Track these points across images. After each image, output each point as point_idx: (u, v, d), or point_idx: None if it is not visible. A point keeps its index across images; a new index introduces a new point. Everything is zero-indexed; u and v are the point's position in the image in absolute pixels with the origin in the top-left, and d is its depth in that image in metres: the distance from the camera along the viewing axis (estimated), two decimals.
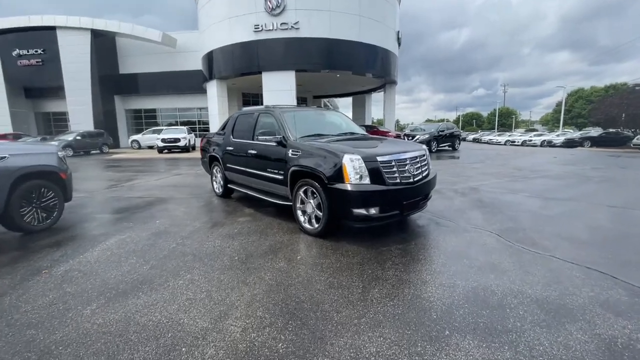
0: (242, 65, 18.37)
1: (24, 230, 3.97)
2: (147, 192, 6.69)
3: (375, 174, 3.26)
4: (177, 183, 7.82)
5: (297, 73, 18.12)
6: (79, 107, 23.84)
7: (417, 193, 3.56)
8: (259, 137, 4.34)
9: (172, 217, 4.59)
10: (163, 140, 17.63)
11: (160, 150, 17.84)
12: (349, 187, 3.17)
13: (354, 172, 3.20)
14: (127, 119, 27.29)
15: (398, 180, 3.37)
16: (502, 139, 30.86)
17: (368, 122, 30.44)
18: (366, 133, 4.89)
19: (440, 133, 16.75)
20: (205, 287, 2.53)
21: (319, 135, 4.19)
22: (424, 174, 3.69)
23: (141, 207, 5.31)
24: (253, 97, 26.70)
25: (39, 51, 23.60)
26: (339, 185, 3.23)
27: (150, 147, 21.76)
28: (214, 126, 21.73)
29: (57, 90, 24.22)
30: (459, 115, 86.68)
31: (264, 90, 18.20)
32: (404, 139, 16.45)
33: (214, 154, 5.86)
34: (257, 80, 18.65)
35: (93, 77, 23.48)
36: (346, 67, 19.06)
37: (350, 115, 38.82)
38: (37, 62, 23.79)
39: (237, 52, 18.31)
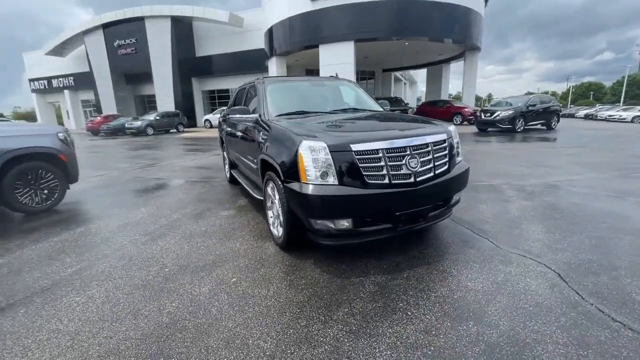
0: (299, 39, 17.59)
1: (22, 211, 4.02)
2: (171, 173, 6.62)
3: (348, 169, 2.18)
4: (208, 164, 7.67)
5: (359, 44, 16.52)
6: (163, 90, 26.51)
7: (422, 198, 2.35)
8: (244, 115, 3.56)
9: (160, 205, 4.22)
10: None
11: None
12: (304, 189, 2.18)
13: (313, 166, 2.19)
14: (204, 99, 29.38)
15: (387, 181, 2.22)
16: (629, 114, 23.53)
17: (445, 97, 26.97)
18: (381, 110, 3.64)
19: (530, 108, 13.44)
20: (79, 317, 1.92)
21: (303, 113, 3.17)
22: (437, 170, 2.43)
23: (148, 190, 5.14)
24: (317, 73, 25.94)
25: (133, 40, 26.61)
26: (293, 185, 2.27)
27: None
28: None
29: (148, 75, 27.21)
30: (570, 87, 71.61)
31: (320, 65, 17.22)
32: (479, 116, 13.82)
33: (220, 134, 5.34)
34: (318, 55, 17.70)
35: (173, 61, 25.62)
36: (420, 32, 16.62)
37: (424, 89, 35.16)
38: (132, 50, 26.95)
39: (294, 25, 17.56)
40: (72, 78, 32.89)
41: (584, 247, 2.56)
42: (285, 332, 1.71)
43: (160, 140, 16.12)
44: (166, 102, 26.18)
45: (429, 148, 2.41)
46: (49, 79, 34.44)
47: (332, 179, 2.17)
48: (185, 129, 23.14)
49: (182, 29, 25.84)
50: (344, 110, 3.36)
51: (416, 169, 2.29)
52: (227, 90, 28.60)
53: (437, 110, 19.14)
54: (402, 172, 2.25)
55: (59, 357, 1.60)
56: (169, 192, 4.97)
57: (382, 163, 2.21)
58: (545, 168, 5.68)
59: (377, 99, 3.96)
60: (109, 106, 28.74)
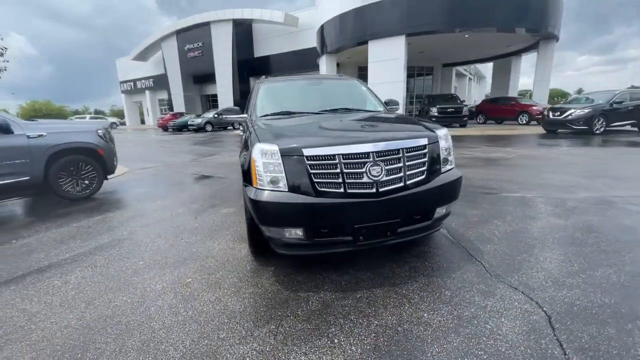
0: (348, 35, 17.33)
1: (65, 198, 4.64)
2: (206, 169, 7.05)
3: (299, 176, 2.03)
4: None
5: (413, 38, 15.63)
6: (224, 89, 28.48)
7: (386, 211, 2.09)
8: (235, 115, 3.59)
9: (175, 199, 4.52)
10: None
11: None
12: (254, 194, 2.09)
13: (264, 171, 2.09)
14: None
15: (342, 190, 2.01)
16: None
17: (513, 93, 24.20)
18: (379, 110, 3.33)
19: (615, 106, 11.27)
20: (45, 300, 2.12)
21: (288, 113, 3.06)
22: (410, 180, 2.13)
23: (175, 184, 5.55)
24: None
25: (200, 44, 29.04)
26: (249, 189, 2.19)
27: None
28: None
29: (212, 76, 29.48)
30: None
31: (369, 62, 16.74)
32: (547, 115, 12.09)
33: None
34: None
35: (233, 62, 27.33)
36: (486, 22, 15.07)
37: (488, 85, 31.97)
38: (199, 53, 29.44)
39: (344, 22, 17.35)
40: (151, 80, 37.22)
41: (605, 285, 2.03)
42: (199, 343, 1.66)
43: (216, 136, 17.34)
44: (226, 100, 28.08)
45: (400, 155, 2.12)
46: (134, 81, 39.49)
47: (282, 185, 2.05)
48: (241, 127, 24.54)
49: (243, 31, 27.38)
50: (334, 111, 3.16)
51: (379, 177, 2.03)
52: None
53: (499, 108, 17.31)
54: (362, 180, 2.02)
55: (8, 335, 1.77)
56: (191, 187, 5.29)
57: (338, 170, 2.01)
58: (607, 179, 4.70)
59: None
60: (179, 105, 31.88)
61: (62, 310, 2.00)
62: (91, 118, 36.43)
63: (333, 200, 2.00)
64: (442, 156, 2.33)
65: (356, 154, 2.04)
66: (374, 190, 2.03)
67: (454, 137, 11.33)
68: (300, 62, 25.45)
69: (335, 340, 1.63)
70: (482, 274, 2.22)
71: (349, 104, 3.31)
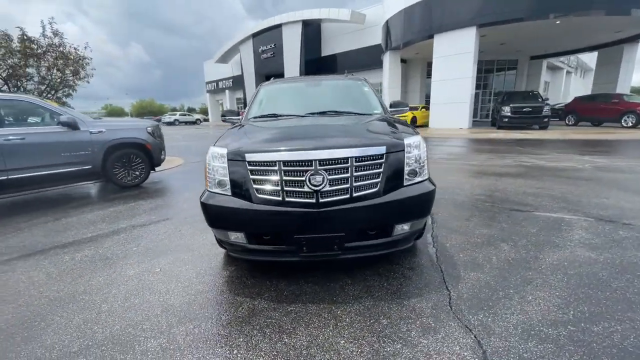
0: (413, 30, 16.43)
1: (118, 185, 5.45)
2: None
3: (241, 180, 2.04)
4: None
5: (490, 28, 14.02)
6: None
7: (327, 223, 1.96)
8: (233, 117, 3.72)
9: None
10: None
11: None
12: (202, 195, 2.18)
13: (213, 174, 2.16)
14: None
15: (279, 197, 1.95)
16: None
17: (624, 89, 19.92)
18: (374, 114, 3.08)
19: None
20: (30, 277, 2.54)
21: (275, 116, 3.06)
22: (359, 192, 1.95)
23: None
24: None
25: (272, 46, 30.76)
26: (204, 190, 2.28)
27: None
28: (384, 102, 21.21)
29: (282, 76, 31.01)
30: None
31: (433, 57, 15.63)
32: None
33: None
34: None
35: (301, 62, 28.28)
36: (589, 4, 12.79)
37: (591, 78, 26.76)
38: (271, 54, 31.23)
39: (408, 16, 16.50)
40: (231, 80, 40.88)
41: (597, 345, 1.57)
42: (125, 330, 1.80)
43: None
44: None
45: (347, 164, 1.96)
46: (217, 82, 43.88)
47: (227, 189, 2.08)
48: None
49: (311, 31, 28.11)
50: (323, 113, 3.04)
51: (321, 187, 1.91)
52: None
53: (596, 107, 14.49)
54: (302, 189, 1.93)
55: (5, 296, 2.19)
56: None
57: (277, 177, 1.96)
58: None
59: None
60: None
61: (50, 282, 2.38)
62: (181, 115, 41.83)
63: (271, 207, 1.96)
64: (407, 167, 2.08)
65: (298, 161, 1.95)
66: (313, 200, 1.92)
67: (526, 141, 9.90)
68: (366, 60, 25.06)
69: (235, 352, 1.61)
70: (441, 306, 1.92)
71: (341, 106, 3.15)
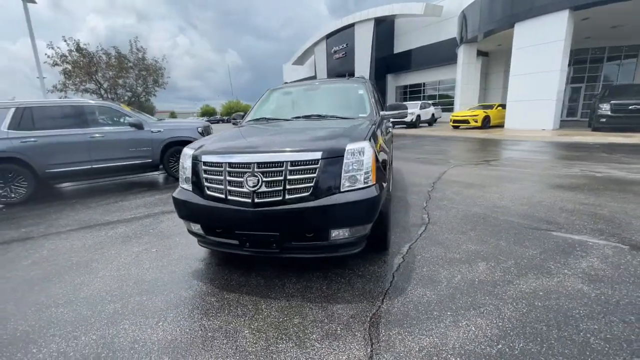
0: (494, 18, 14.75)
1: (173, 176, 6.41)
2: None
3: (198, 179, 2.33)
4: None
5: (595, 9, 11.67)
6: None
7: (262, 223, 2.10)
8: (237, 120, 4.06)
9: None
10: None
11: (392, 125, 18.78)
12: (175, 191, 2.53)
13: (182, 172, 2.50)
14: (397, 95, 30.36)
15: (223, 196, 2.18)
16: None
17: None
18: (353, 117, 3.03)
19: None
20: (49, 252, 3.26)
21: (266, 119, 3.28)
22: (291, 195, 2.05)
23: None
24: None
25: (344, 45, 31.07)
26: None
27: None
28: (457, 99, 19.60)
29: (353, 75, 31.17)
30: None
31: (513, 49, 13.82)
32: None
33: None
34: None
35: (372, 61, 27.94)
36: None
37: None
38: (343, 54, 31.59)
39: (486, 5, 14.85)
40: None
41: None
42: (90, 294, 2.26)
43: None
44: None
45: (282, 168, 2.07)
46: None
47: (188, 185, 2.40)
48: None
49: (384, 28, 27.52)
50: (308, 117, 3.13)
51: (256, 188, 2.07)
52: (419, 85, 28.18)
53: None
54: (242, 189, 2.12)
55: (49, 257, 2.92)
56: None
57: (221, 176, 2.18)
58: None
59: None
60: None
61: (80, 250, 3.06)
62: None
63: (216, 204, 2.19)
64: (345, 173, 2.08)
65: (238, 163, 2.15)
66: (249, 200, 2.09)
67: (620, 146, 8.24)
68: (443, 54, 23.45)
69: (160, 324, 1.90)
70: (362, 316, 1.89)
71: (328, 110, 3.21)
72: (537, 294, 2.02)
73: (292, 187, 2.06)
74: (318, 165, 2.06)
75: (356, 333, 1.74)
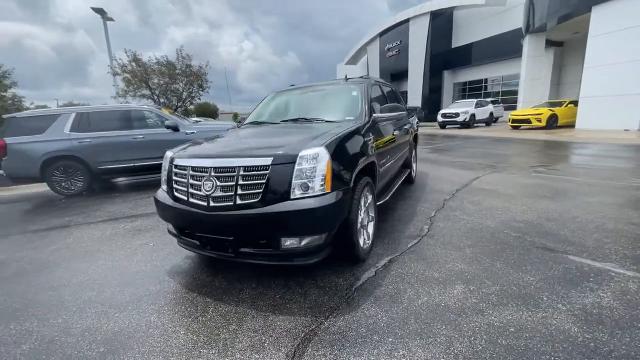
0: (564, 2, 12.88)
1: None
2: None
3: (170, 181, 2.46)
4: None
5: None
6: (414, 86, 28.34)
7: (216, 227, 2.15)
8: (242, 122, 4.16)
9: None
10: (443, 115, 17.18)
11: (442, 125, 17.57)
12: (156, 192, 2.70)
13: (162, 173, 2.65)
14: (454, 92, 28.36)
15: (185, 197, 2.27)
16: None
17: None
18: (335, 121, 2.89)
19: None
20: (78, 239, 3.68)
21: (257, 123, 3.34)
22: (241, 200, 2.04)
23: None
24: None
25: (398, 42, 30.03)
26: None
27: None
28: (520, 96, 17.59)
29: (407, 73, 30.00)
30: None
31: (589, 36, 11.91)
32: None
33: None
34: None
35: (426, 57, 26.54)
36: None
37: None
38: (396, 52, 30.57)
39: None
40: None
41: None
42: (74, 275, 2.53)
43: None
44: (415, 97, 27.92)
45: (234, 173, 2.08)
46: None
47: (165, 186, 2.54)
48: (422, 124, 23.90)
49: (441, 22, 25.91)
50: (295, 121, 3.09)
51: (211, 192, 2.12)
52: (480, 81, 25.95)
53: None
54: (200, 193, 2.19)
55: (77, 242, 3.36)
56: None
57: (185, 180, 2.27)
58: None
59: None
60: None
61: (96, 240, 3.45)
62: None
63: (180, 206, 2.30)
64: (295, 180, 2.01)
65: (199, 167, 2.22)
66: (205, 204, 2.14)
67: None
68: (505, 47, 21.30)
69: (116, 315, 2.05)
70: (298, 331, 1.80)
71: (315, 114, 3.14)
72: (506, 329, 1.71)
73: (243, 192, 2.05)
74: (268, 172, 2.02)
75: (282, 348, 1.67)
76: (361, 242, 2.50)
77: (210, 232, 2.19)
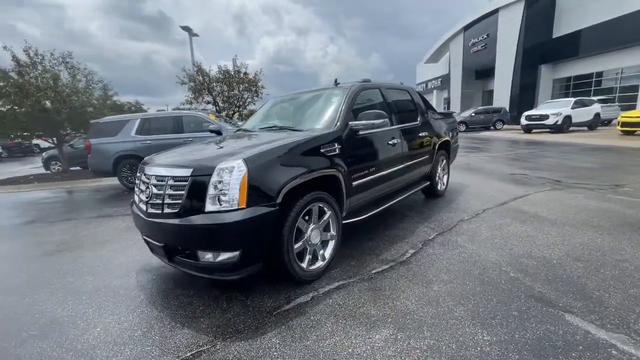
0: None
1: None
2: None
3: (136, 185, 2.68)
4: None
5: None
6: (502, 84, 25.07)
7: (150, 233, 2.27)
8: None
9: None
10: (527, 117, 14.60)
11: (526, 129, 14.95)
12: None
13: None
14: (553, 90, 24.10)
15: (137, 201, 2.45)
16: None
17: None
18: (308, 129, 2.69)
19: None
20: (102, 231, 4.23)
21: (245, 130, 3.39)
22: (166, 209, 2.10)
23: None
24: None
25: (484, 37, 26.91)
26: None
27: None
28: None
29: (494, 70, 26.74)
30: None
31: None
32: None
33: None
34: None
35: (518, 51, 23.17)
36: None
37: None
38: (482, 47, 27.46)
39: None
40: (439, 80, 39.32)
41: None
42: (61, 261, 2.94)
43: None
44: (503, 96, 24.70)
45: (164, 182, 2.15)
46: (426, 83, 43.41)
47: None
48: (507, 127, 20.98)
49: (538, 9, 22.29)
50: (269, 129, 3.03)
51: (148, 199, 2.24)
52: (589, 76, 21.49)
53: None
54: (143, 198, 2.33)
55: (93, 236, 3.96)
56: None
57: (142, 186, 2.44)
58: None
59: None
60: (455, 102, 31.79)
61: (103, 233, 3.97)
62: None
63: (134, 209, 2.49)
64: (210, 192, 1.98)
65: (146, 175, 2.37)
66: (145, 209, 2.28)
67: None
68: (627, 32, 17.15)
69: (92, 306, 2.33)
70: (190, 346, 1.76)
71: (288, 122, 3.08)
72: None
73: (169, 202, 2.11)
74: (187, 183, 2.03)
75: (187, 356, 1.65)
76: (305, 262, 2.32)
77: (149, 236, 2.31)
